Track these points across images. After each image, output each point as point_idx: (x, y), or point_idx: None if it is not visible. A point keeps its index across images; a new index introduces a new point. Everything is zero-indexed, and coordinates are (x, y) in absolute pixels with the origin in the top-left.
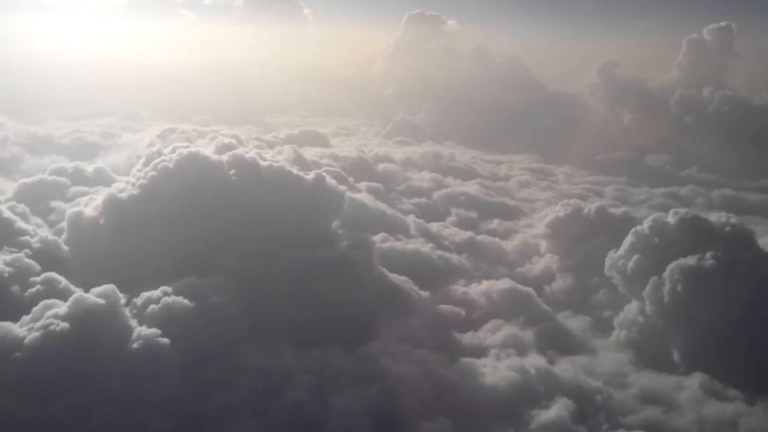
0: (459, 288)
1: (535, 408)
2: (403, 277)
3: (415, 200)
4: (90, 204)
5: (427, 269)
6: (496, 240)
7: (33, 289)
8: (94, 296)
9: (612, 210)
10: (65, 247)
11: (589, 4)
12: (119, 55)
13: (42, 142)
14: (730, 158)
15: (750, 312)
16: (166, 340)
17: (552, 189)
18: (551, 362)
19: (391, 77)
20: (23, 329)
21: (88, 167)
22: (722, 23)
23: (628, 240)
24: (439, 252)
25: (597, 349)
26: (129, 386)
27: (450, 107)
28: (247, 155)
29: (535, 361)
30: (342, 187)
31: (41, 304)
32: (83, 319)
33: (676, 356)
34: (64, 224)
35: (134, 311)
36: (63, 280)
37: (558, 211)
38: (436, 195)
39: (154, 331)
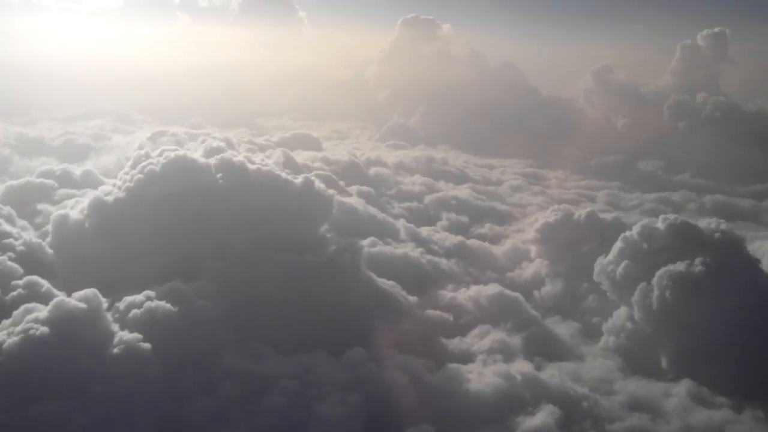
0: (447, 293)
1: (520, 415)
2: (391, 282)
3: (406, 204)
4: (76, 207)
5: (415, 274)
6: (486, 245)
7: (14, 293)
8: (75, 300)
9: (603, 215)
10: (50, 251)
11: (583, 10)
12: (114, 57)
13: (33, 144)
14: (723, 164)
15: (739, 319)
16: (147, 345)
17: (544, 194)
18: (538, 368)
19: (385, 81)
20: (2, 333)
21: (77, 170)
22: (716, 29)
23: (618, 246)
24: (429, 256)
25: (585, 355)
26: (109, 391)
27: (444, 111)
28: (235, 159)
29: (521, 367)
30: (331, 191)
31: (22, 308)
32: (64, 323)
33: (664, 363)
34: (49, 227)
35: (116, 316)
36: (45, 284)
37: (548, 216)
38: (427, 199)
39: (136, 335)
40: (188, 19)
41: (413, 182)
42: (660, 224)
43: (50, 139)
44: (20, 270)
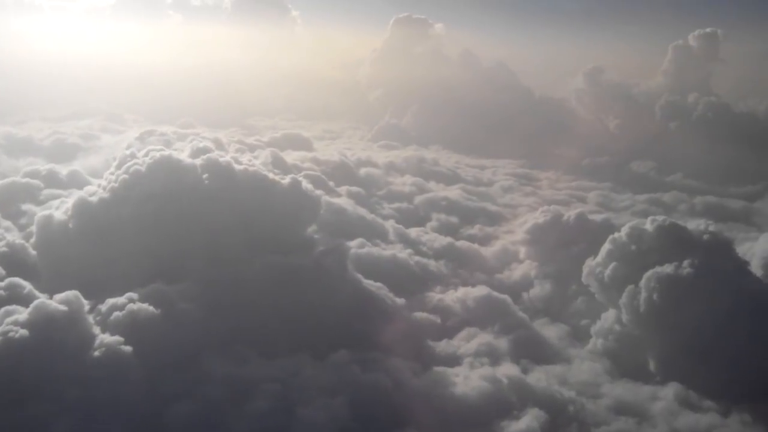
0: (435, 295)
1: (505, 419)
2: (378, 284)
3: (396, 205)
4: (61, 207)
5: (403, 275)
6: (476, 246)
7: None
8: (56, 303)
9: (592, 217)
10: (33, 252)
11: (576, 10)
12: (106, 56)
13: (21, 143)
14: (715, 165)
15: (726, 321)
16: (128, 348)
17: (535, 194)
18: (525, 371)
19: (377, 81)
20: None
21: (63, 170)
22: (708, 29)
23: (606, 247)
24: (417, 258)
25: (572, 358)
26: (89, 394)
27: (436, 111)
28: (222, 159)
29: (508, 370)
30: (319, 192)
31: (2, 310)
32: (44, 326)
33: (652, 366)
34: (33, 228)
35: (98, 318)
36: (27, 286)
37: (538, 217)
38: (417, 200)
39: (117, 338)
40: (180, 18)
41: (403, 183)
42: (648, 226)
43: (39, 139)
44: (2, 271)
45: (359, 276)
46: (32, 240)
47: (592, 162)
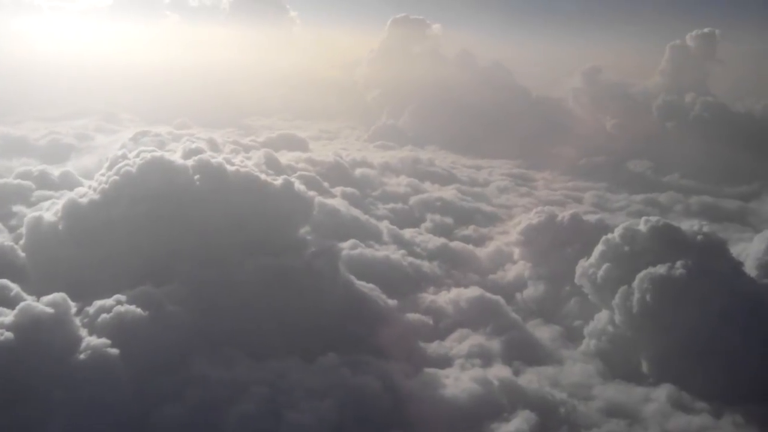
0: (428, 296)
1: (495, 421)
2: (370, 285)
3: (391, 206)
4: (51, 209)
5: (396, 277)
6: (470, 247)
7: None
8: (42, 305)
9: (587, 217)
10: (22, 254)
11: (574, 10)
12: (103, 56)
13: (16, 143)
14: (711, 165)
15: (720, 322)
16: (115, 351)
17: (531, 195)
18: (517, 373)
19: (374, 81)
20: None
21: (55, 171)
22: (705, 29)
23: (599, 248)
24: (411, 259)
25: (565, 359)
26: (74, 398)
27: (433, 111)
28: (213, 160)
29: (499, 372)
30: (312, 193)
31: None
32: (29, 328)
33: (644, 367)
34: (23, 230)
35: (86, 320)
36: (15, 288)
37: (532, 218)
38: (412, 200)
39: (104, 341)
40: (178, 18)
41: (398, 183)
42: (642, 226)
43: (35, 139)
44: None
45: (351, 277)
46: (21, 242)
47: (589, 162)
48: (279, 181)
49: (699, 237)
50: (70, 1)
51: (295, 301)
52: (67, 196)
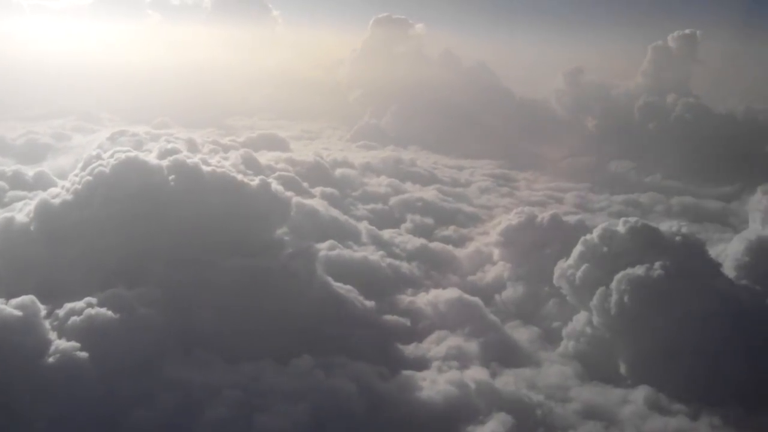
0: (406, 297)
1: (471, 424)
2: (348, 287)
3: (371, 206)
4: (24, 210)
5: (374, 278)
6: (450, 247)
7: None
8: (10, 308)
9: (567, 218)
10: None
11: (558, 11)
12: (85, 55)
13: None
14: (693, 165)
15: (697, 324)
16: (84, 354)
17: (512, 195)
18: (494, 375)
19: (357, 81)
20: None
21: (30, 171)
22: (687, 30)
23: (578, 249)
24: (389, 260)
25: (543, 361)
26: (42, 402)
27: (416, 111)
28: (189, 160)
29: (476, 374)
30: (290, 194)
31: None
32: None
33: (622, 369)
34: None
35: (56, 323)
36: None
37: (511, 218)
38: (392, 201)
39: (73, 344)
40: (160, 17)
41: (379, 183)
42: (621, 227)
43: (12, 138)
44: None
45: (329, 278)
46: None
47: (571, 162)
48: (256, 181)
49: (677, 238)
50: (51, 0)
51: (271, 303)
52: (40, 196)
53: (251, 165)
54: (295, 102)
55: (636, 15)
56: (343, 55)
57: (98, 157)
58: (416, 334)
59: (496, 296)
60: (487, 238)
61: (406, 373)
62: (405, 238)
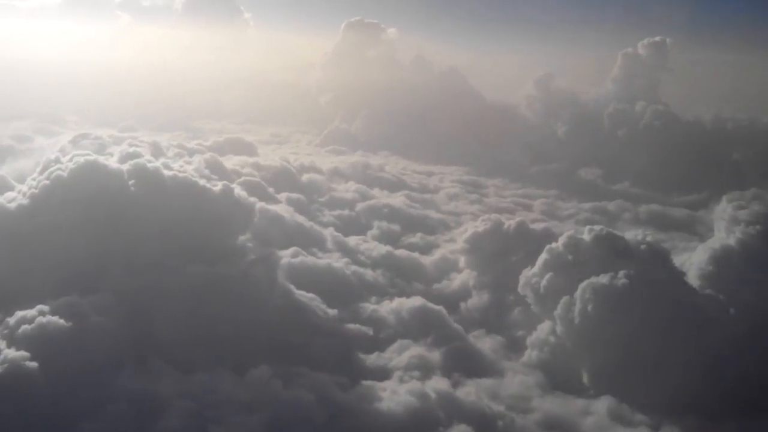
0: (369, 306)
1: None
2: (310, 295)
3: (337, 212)
4: None
5: (338, 286)
6: (416, 255)
7: None
8: None
9: (534, 225)
10: None
11: (531, 17)
12: (53, 56)
13: None
14: (661, 173)
15: (660, 333)
16: (34, 364)
17: (481, 202)
18: (456, 385)
19: (327, 85)
20: None
21: None
22: (656, 38)
23: (543, 257)
24: (354, 267)
25: (506, 370)
26: None
27: (387, 117)
28: (150, 164)
29: (437, 384)
30: (253, 199)
31: None
32: None
33: (585, 379)
34: None
35: (5, 332)
36: None
37: (478, 226)
38: (359, 207)
39: (22, 353)
40: (129, 19)
41: (347, 189)
42: (586, 235)
43: None
44: None
45: (291, 286)
46: None
47: (541, 169)
48: (218, 186)
49: (642, 246)
50: (21, 0)
51: (230, 311)
52: None
53: (216, 169)
54: (265, 105)
55: (607, 22)
56: (314, 59)
57: (57, 160)
58: (379, 344)
59: (462, 304)
60: (454, 246)
61: (367, 383)
62: (371, 245)
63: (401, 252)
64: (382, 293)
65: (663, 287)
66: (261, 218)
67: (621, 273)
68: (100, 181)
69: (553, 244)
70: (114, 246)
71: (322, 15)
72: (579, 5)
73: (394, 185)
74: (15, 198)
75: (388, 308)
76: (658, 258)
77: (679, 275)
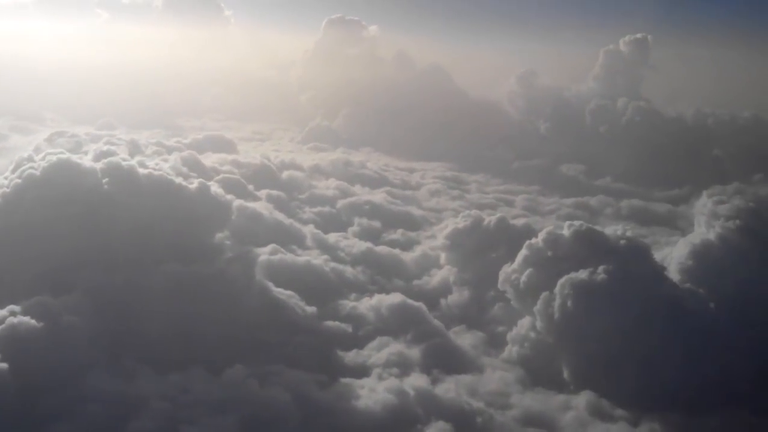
0: (349, 303)
1: None
2: (289, 292)
3: (318, 209)
4: None
5: (317, 283)
6: (396, 251)
7: None
8: None
9: (515, 221)
10: None
11: (514, 13)
12: (30, 54)
13: None
14: (643, 169)
15: (640, 328)
16: (4, 365)
17: (462, 198)
18: (435, 382)
19: (309, 82)
20: None
21: None
22: (638, 35)
23: (522, 253)
24: (333, 264)
25: (486, 366)
26: None
27: (368, 113)
28: (125, 163)
29: (416, 381)
30: (231, 197)
31: None
32: None
33: (565, 374)
34: None
35: None
36: None
37: (458, 222)
38: (340, 204)
39: None
40: (108, 16)
41: (327, 186)
42: (565, 231)
43: None
44: None
45: (269, 284)
46: None
47: (523, 165)
48: (194, 184)
49: (622, 241)
50: None
51: (206, 310)
52: None
53: (194, 167)
54: (246, 103)
55: (589, 19)
56: (295, 56)
57: (30, 159)
58: (357, 341)
59: (442, 301)
60: (435, 242)
61: (345, 380)
62: (351, 242)
63: (382, 248)
64: (362, 290)
65: (642, 282)
66: (239, 216)
67: (600, 268)
68: (74, 180)
69: (533, 240)
70: (88, 245)
71: (304, 12)
72: (561, 3)
73: (376, 182)
74: None
75: (367, 305)
76: (638, 253)
77: (659, 270)
